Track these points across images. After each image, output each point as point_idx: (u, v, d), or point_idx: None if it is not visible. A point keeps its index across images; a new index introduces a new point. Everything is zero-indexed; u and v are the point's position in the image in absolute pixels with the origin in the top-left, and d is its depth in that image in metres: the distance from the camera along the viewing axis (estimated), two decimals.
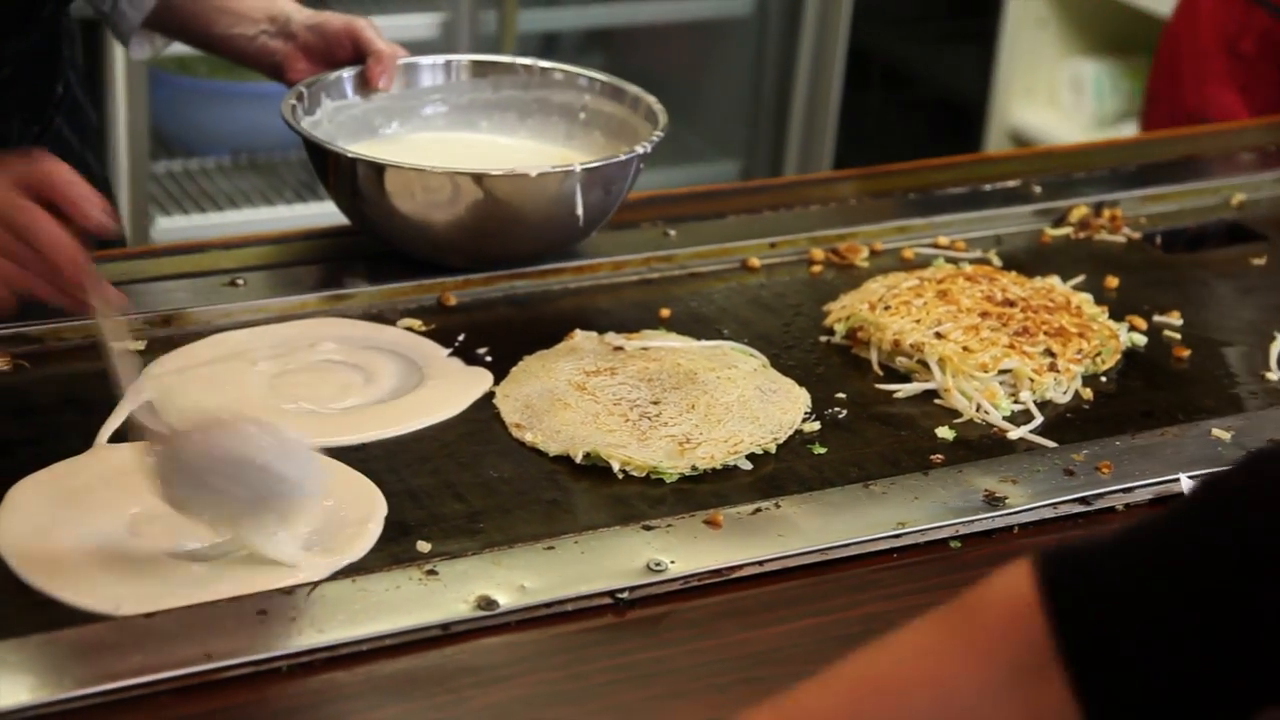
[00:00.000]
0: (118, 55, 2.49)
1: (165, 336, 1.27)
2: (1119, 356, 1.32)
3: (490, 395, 1.21)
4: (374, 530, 1.04)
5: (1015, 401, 1.23)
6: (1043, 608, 0.67)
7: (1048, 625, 0.67)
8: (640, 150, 1.38)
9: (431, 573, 0.98)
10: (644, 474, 1.12)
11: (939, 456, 1.16)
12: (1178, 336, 1.36)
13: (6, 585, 0.97)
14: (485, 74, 1.53)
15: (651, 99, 1.47)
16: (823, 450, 1.17)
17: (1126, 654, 0.65)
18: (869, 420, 1.21)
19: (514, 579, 0.98)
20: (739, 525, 1.05)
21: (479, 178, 1.32)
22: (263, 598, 0.95)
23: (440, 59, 1.53)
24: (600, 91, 1.51)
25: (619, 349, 1.26)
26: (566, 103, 1.52)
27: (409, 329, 1.31)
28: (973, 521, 1.08)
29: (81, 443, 1.11)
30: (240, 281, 1.34)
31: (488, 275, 1.38)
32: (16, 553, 0.99)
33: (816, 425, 1.20)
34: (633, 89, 1.49)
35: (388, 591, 0.96)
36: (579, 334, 1.29)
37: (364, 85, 1.47)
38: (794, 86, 3.18)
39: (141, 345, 1.25)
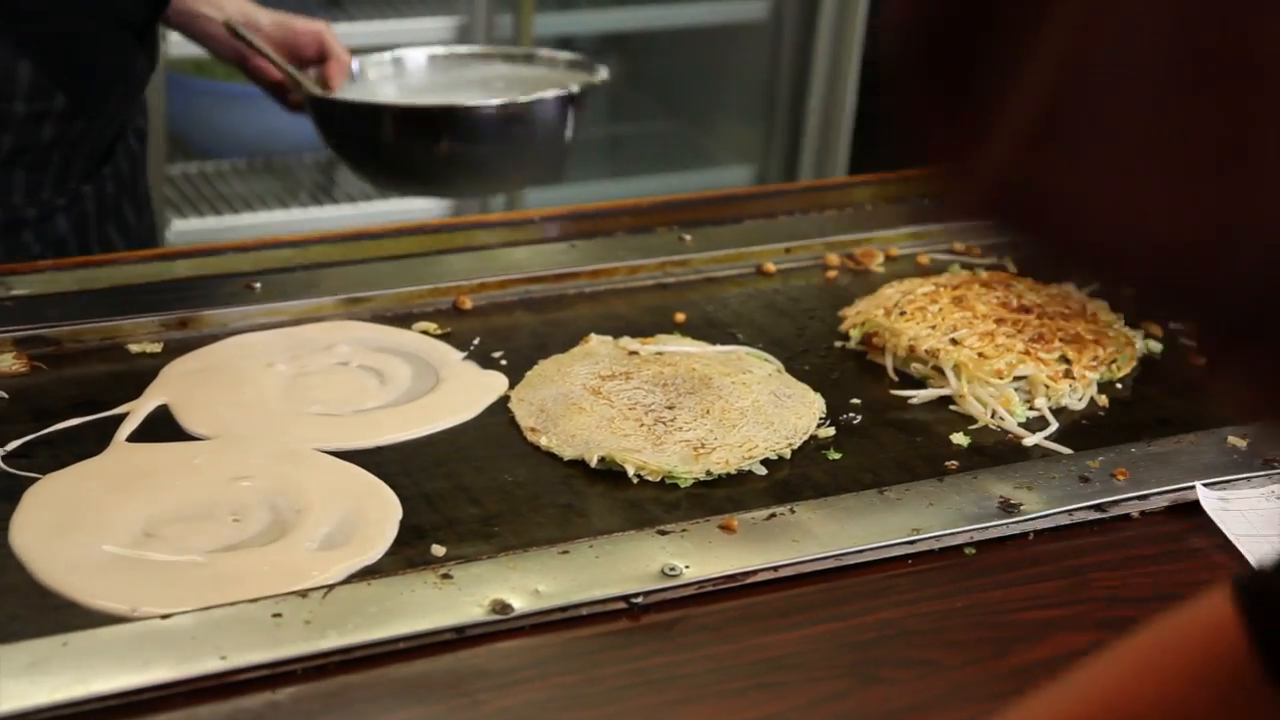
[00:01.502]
0: None
1: (181, 339, 1.27)
2: (1135, 363, 1.31)
3: (505, 399, 1.21)
4: (389, 533, 1.04)
5: (1031, 408, 1.23)
6: (1246, 634, 0.67)
7: (1252, 651, 0.66)
8: (553, 94, 1.53)
9: (446, 576, 0.98)
10: (658, 479, 1.12)
11: (954, 463, 1.16)
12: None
13: (24, 587, 0.97)
14: (480, 59, 1.75)
15: (599, 68, 1.65)
16: (837, 456, 1.17)
17: None
18: (884, 426, 1.21)
19: (528, 583, 0.98)
20: (753, 530, 1.05)
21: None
22: (278, 600, 0.95)
23: (437, 50, 1.74)
24: (581, 67, 1.68)
25: (634, 353, 1.26)
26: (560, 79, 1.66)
27: (424, 332, 1.31)
28: (988, 528, 1.07)
29: (98, 444, 1.12)
30: (256, 284, 1.34)
31: (503, 279, 1.38)
32: (33, 554, 0.99)
33: (831, 431, 1.19)
34: (599, 68, 1.66)
35: (402, 595, 0.96)
36: (594, 338, 1.29)
37: (322, 84, 1.64)
38: (809, 91, 3.18)
39: (158, 347, 1.25)
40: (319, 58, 1.67)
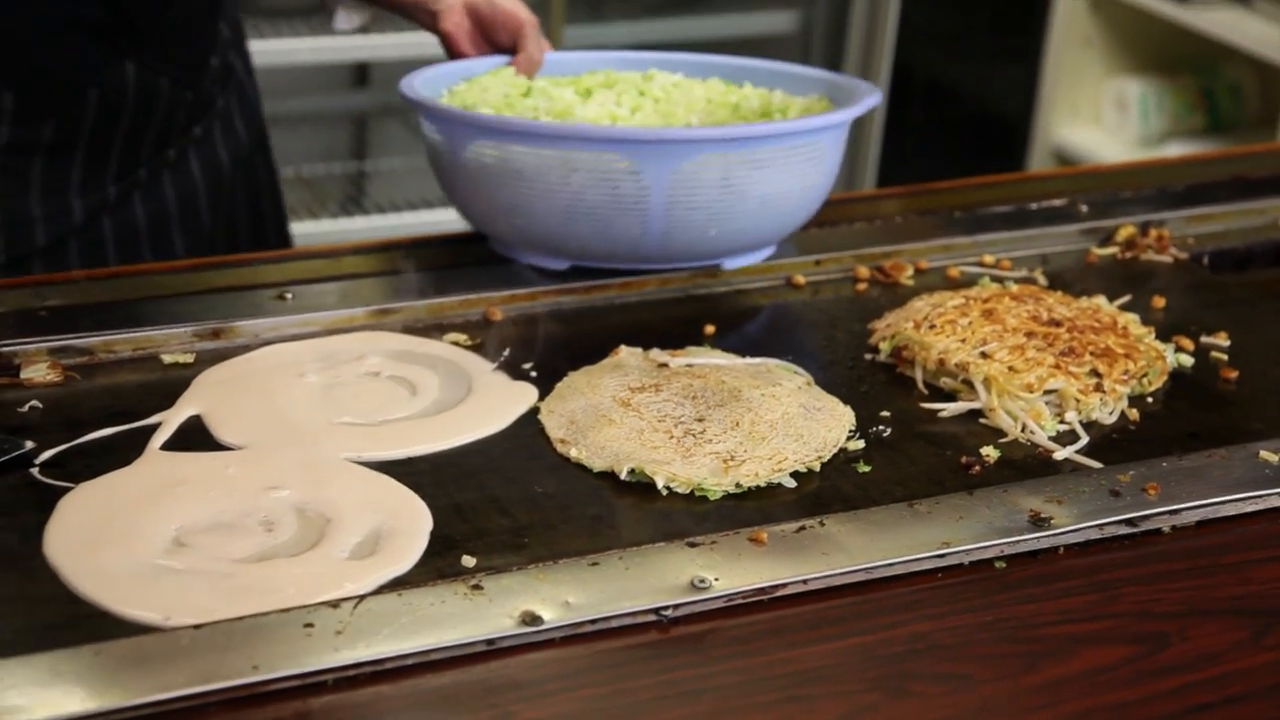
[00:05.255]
0: None
1: (214, 349, 1.28)
2: (1165, 377, 1.31)
3: (535, 410, 1.22)
4: (419, 544, 1.04)
5: (1061, 422, 1.23)
6: None
7: None
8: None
9: (476, 587, 0.99)
10: (688, 491, 1.12)
11: (977, 466, 1.16)
12: (1225, 358, 1.36)
13: (58, 596, 0.98)
14: None
15: None
16: (867, 469, 1.17)
17: None
18: (913, 439, 1.21)
19: (558, 594, 0.99)
20: (783, 543, 1.05)
21: None
22: (309, 611, 0.95)
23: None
24: None
25: (664, 365, 1.26)
26: None
27: (454, 343, 1.31)
28: (1018, 542, 1.07)
29: (131, 454, 1.13)
30: (288, 295, 1.35)
31: (532, 290, 1.39)
32: (67, 564, 1.00)
33: (861, 443, 1.19)
34: None
35: (432, 606, 0.97)
36: (624, 350, 1.30)
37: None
38: None
39: (191, 358, 1.26)
40: (511, 48, 1.57)
